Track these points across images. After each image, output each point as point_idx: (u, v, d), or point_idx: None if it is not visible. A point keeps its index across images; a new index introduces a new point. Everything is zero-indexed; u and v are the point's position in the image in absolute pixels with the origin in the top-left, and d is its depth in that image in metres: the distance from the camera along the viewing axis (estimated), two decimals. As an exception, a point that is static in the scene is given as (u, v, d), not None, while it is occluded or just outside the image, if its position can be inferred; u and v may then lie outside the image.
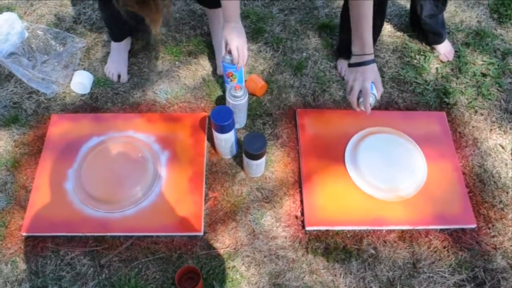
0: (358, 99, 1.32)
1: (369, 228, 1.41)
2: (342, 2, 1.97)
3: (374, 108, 1.65)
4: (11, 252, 1.37)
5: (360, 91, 1.30)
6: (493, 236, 1.42)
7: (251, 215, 1.44)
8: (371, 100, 1.31)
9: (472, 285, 1.34)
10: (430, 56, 1.82)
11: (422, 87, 1.74)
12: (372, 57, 1.28)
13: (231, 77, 1.55)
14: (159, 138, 1.57)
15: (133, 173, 1.47)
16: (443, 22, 1.79)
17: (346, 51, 1.71)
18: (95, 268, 1.34)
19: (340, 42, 1.77)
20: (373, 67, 1.28)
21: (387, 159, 1.51)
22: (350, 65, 1.31)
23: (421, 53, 1.83)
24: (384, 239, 1.40)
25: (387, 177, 1.47)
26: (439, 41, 1.81)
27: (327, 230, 1.41)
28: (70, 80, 1.71)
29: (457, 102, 1.70)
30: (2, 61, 1.73)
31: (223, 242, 1.39)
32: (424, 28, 1.81)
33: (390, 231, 1.41)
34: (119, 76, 1.73)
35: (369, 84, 1.28)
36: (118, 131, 1.58)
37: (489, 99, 1.72)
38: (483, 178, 1.53)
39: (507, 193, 1.50)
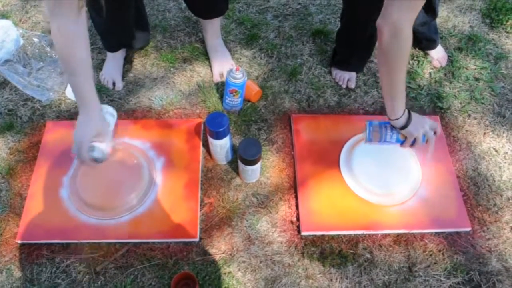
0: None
1: (365, 232, 1.41)
2: (336, 8, 2.01)
3: (368, 113, 1.68)
4: (6, 260, 1.36)
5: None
6: (488, 239, 1.42)
7: (247, 221, 1.44)
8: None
9: (468, 288, 1.34)
10: (424, 61, 1.83)
11: (415, 92, 1.75)
12: (406, 112, 1.26)
13: (234, 93, 1.56)
14: (155, 145, 1.57)
15: (129, 179, 1.47)
16: (435, 28, 1.81)
17: (343, 63, 1.73)
18: (90, 275, 1.34)
19: (337, 54, 1.77)
20: (417, 115, 1.28)
21: (381, 164, 1.52)
22: (401, 128, 1.30)
23: (415, 58, 1.85)
24: (380, 243, 1.40)
25: (382, 181, 1.48)
26: (432, 47, 1.82)
27: (322, 235, 1.41)
28: (66, 87, 1.71)
29: (451, 107, 1.71)
30: (-3, 68, 1.73)
31: (219, 248, 1.39)
32: (416, 35, 1.82)
33: (386, 235, 1.42)
34: (114, 83, 1.73)
35: (428, 126, 1.28)
36: (113, 138, 1.58)
37: (482, 103, 1.73)
38: (477, 181, 1.54)
39: (501, 196, 1.51)
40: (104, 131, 1.22)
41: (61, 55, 1.15)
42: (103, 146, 1.22)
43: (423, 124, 1.28)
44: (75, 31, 1.08)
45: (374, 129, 1.35)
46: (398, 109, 1.24)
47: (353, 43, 1.66)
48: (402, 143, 1.33)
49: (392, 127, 1.32)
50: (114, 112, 1.34)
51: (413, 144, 1.31)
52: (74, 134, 1.20)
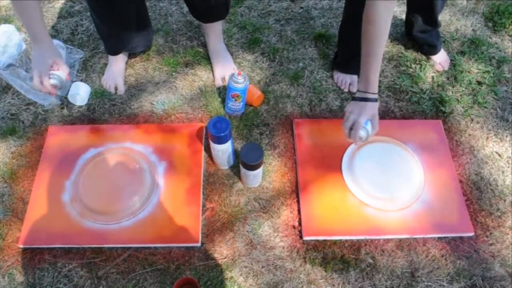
0: (350, 130, 1.33)
1: (367, 237, 1.41)
2: (338, 12, 2.00)
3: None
4: (8, 265, 1.37)
5: (353, 123, 1.31)
6: (491, 244, 1.42)
7: (249, 226, 1.44)
8: (363, 135, 1.32)
9: (471, 293, 1.34)
10: (426, 65, 1.83)
11: (418, 96, 1.75)
12: (375, 96, 1.29)
13: (236, 98, 1.56)
14: (157, 149, 1.57)
15: (131, 184, 1.47)
16: (437, 34, 1.80)
17: (342, 65, 1.73)
18: (92, 280, 1.34)
19: (338, 56, 1.78)
20: (374, 106, 1.30)
21: (384, 168, 1.51)
22: (353, 98, 1.34)
23: (417, 62, 1.85)
24: (382, 248, 1.40)
25: (384, 186, 1.48)
26: (434, 52, 1.82)
27: (324, 240, 1.41)
28: (68, 91, 1.71)
29: (453, 111, 1.71)
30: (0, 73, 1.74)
31: (221, 252, 1.39)
32: (417, 40, 1.83)
33: (388, 240, 1.41)
34: (116, 88, 1.73)
35: (363, 119, 1.29)
36: (116, 142, 1.58)
37: (485, 107, 1.72)
38: (480, 186, 1.53)
39: (504, 200, 1.50)
40: (59, 60, 1.37)
41: None
42: (60, 73, 1.37)
43: (362, 114, 1.28)
44: None
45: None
46: (373, 86, 1.29)
47: (353, 41, 1.66)
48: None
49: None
50: (62, 44, 1.63)
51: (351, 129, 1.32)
52: (32, 66, 1.35)
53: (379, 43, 1.23)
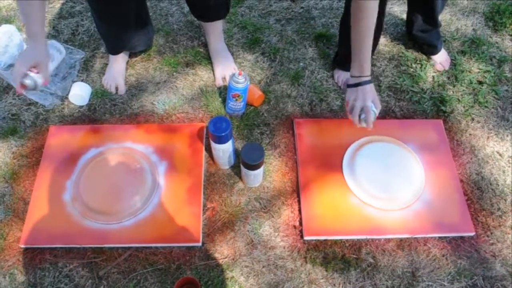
0: (359, 116, 1.39)
1: (368, 237, 1.41)
2: (338, 12, 2.00)
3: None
4: (9, 264, 1.37)
5: (362, 109, 1.36)
6: (492, 244, 1.42)
7: (250, 225, 1.44)
8: (372, 117, 1.37)
9: (472, 293, 1.34)
10: (427, 65, 1.83)
11: (418, 95, 1.75)
12: (369, 78, 1.34)
13: (236, 98, 1.56)
14: (157, 149, 1.57)
15: (131, 184, 1.47)
16: (438, 34, 1.80)
17: (343, 64, 1.73)
18: (93, 280, 1.34)
19: (337, 55, 1.78)
20: (372, 87, 1.35)
21: (384, 168, 1.51)
22: (349, 86, 1.37)
23: (418, 61, 1.85)
24: (383, 248, 1.40)
25: (385, 185, 1.48)
26: (434, 52, 1.82)
27: (325, 240, 1.41)
28: (69, 91, 1.71)
29: (454, 110, 1.71)
30: (0, 73, 1.74)
31: (222, 252, 1.39)
32: (417, 40, 1.83)
33: (389, 240, 1.41)
34: (116, 88, 1.74)
35: (369, 102, 1.35)
36: (116, 142, 1.59)
37: (485, 106, 1.72)
38: (481, 185, 1.53)
39: (505, 200, 1.50)
40: (43, 63, 1.32)
41: None
42: (37, 77, 1.32)
43: (367, 98, 1.33)
44: None
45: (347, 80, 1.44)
46: (368, 68, 1.32)
47: None
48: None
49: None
50: (62, 49, 1.57)
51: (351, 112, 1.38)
52: (16, 60, 1.32)
53: (370, 29, 1.26)
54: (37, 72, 1.32)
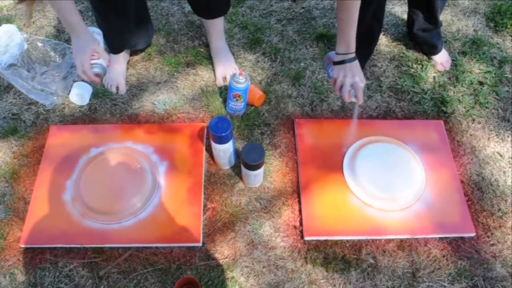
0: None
1: (368, 237, 1.41)
2: (339, 12, 2.00)
3: (372, 117, 1.67)
4: (10, 264, 1.37)
5: (351, 85, 1.38)
6: (492, 245, 1.42)
7: (250, 225, 1.44)
8: (361, 92, 1.40)
9: (472, 294, 1.34)
10: (427, 65, 1.83)
11: (419, 96, 1.75)
12: (354, 54, 1.36)
13: (237, 98, 1.56)
14: (158, 149, 1.57)
15: (132, 184, 1.47)
16: (438, 34, 1.80)
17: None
18: (93, 279, 1.34)
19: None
20: (357, 63, 1.38)
21: (385, 168, 1.51)
22: (335, 63, 1.39)
23: (418, 62, 1.84)
24: (383, 248, 1.40)
25: (385, 186, 1.47)
26: (434, 52, 1.82)
27: (326, 240, 1.41)
28: (69, 91, 1.71)
29: (455, 111, 1.71)
30: (1, 72, 1.74)
31: (222, 252, 1.39)
32: (417, 40, 1.83)
33: (389, 240, 1.41)
34: (117, 88, 1.74)
35: (358, 78, 1.36)
36: (117, 142, 1.59)
37: (486, 107, 1.72)
38: (481, 186, 1.53)
39: (506, 201, 1.50)
40: (98, 48, 1.37)
41: None
42: (101, 61, 1.38)
43: (355, 74, 1.35)
44: None
45: (328, 57, 1.47)
46: (353, 45, 1.34)
47: None
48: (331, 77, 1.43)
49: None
50: (99, 30, 1.61)
51: (341, 90, 1.39)
52: (74, 57, 1.35)
53: (356, 6, 1.28)
54: (98, 58, 1.37)
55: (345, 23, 1.31)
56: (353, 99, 1.39)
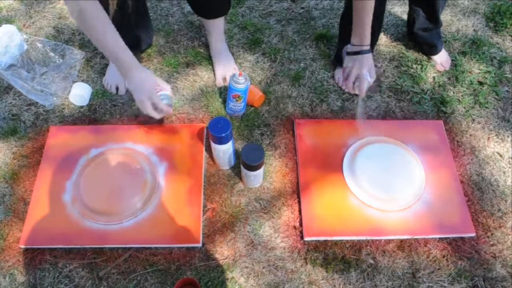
0: (353, 83, 1.44)
1: (368, 238, 1.41)
2: (339, 12, 2.00)
3: (371, 118, 1.67)
4: (9, 265, 1.37)
5: (357, 76, 1.40)
6: (493, 245, 1.42)
7: (250, 226, 1.44)
8: (366, 85, 1.42)
9: (472, 294, 1.34)
10: (427, 65, 1.83)
11: (419, 96, 1.75)
12: (368, 47, 1.37)
13: (237, 98, 1.56)
14: (157, 150, 1.57)
15: (132, 184, 1.47)
16: (438, 34, 1.80)
17: (342, 60, 1.72)
18: (93, 280, 1.34)
19: (339, 50, 1.78)
20: (369, 57, 1.39)
21: (385, 169, 1.51)
22: (348, 53, 1.40)
23: (418, 62, 1.84)
24: (383, 248, 1.40)
25: (385, 186, 1.47)
26: (434, 52, 1.82)
27: (325, 240, 1.41)
28: (69, 92, 1.71)
29: (455, 111, 1.71)
30: (1, 73, 1.74)
31: (222, 253, 1.39)
32: (417, 39, 1.82)
33: (389, 241, 1.41)
34: (117, 88, 1.74)
35: (365, 70, 1.38)
36: (116, 143, 1.59)
37: (486, 107, 1.72)
38: (481, 186, 1.53)
39: (506, 201, 1.50)
40: (158, 80, 1.35)
41: (87, 32, 1.26)
42: (165, 92, 1.36)
43: (363, 67, 1.38)
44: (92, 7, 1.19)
45: (346, 49, 1.48)
46: (368, 37, 1.37)
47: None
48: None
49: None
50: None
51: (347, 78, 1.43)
52: (137, 96, 1.30)
53: (370, 3, 1.30)
54: (161, 90, 1.35)
55: (360, 15, 1.33)
56: (356, 92, 1.39)
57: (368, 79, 1.40)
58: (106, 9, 1.49)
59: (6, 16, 2.01)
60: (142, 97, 1.29)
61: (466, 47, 1.90)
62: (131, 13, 1.57)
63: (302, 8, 2.04)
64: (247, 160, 1.36)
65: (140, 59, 1.84)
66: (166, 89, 1.39)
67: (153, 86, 1.30)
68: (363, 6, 1.30)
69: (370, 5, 1.31)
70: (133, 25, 1.62)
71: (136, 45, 1.74)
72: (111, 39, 1.25)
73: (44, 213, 1.43)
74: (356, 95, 1.68)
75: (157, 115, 1.34)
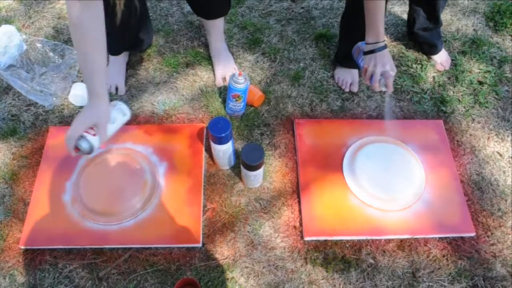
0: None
1: (368, 237, 1.41)
2: (339, 12, 2.00)
3: (371, 117, 1.67)
4: (9, 266, 1.37)
5: (382, 74, 1.38)
6: (492, 244, 1.41)
7: (250, 226, 1.44)
8: (392, 80, 1.40)
9: (472, 294, 1.34)
10: (427, 65, 1.83)
11: (419, 96, 1.74)
12: (384, 43, 1.36)
13: (236, 98, 1.56)
14: (157, 150, 1.57)
15: (131, 185, 1.47)
16: (438, 34, 1.80)
17: (345, 59, 1.73)
18: (93, 281, 1.34)
19: (339, 49, 1.78)
20: (387, 52, 1.38)
21: (385, 168, 1.51)
22: (365, 53, 1.39)
23: (418, 62, 1.84)
24: (383, 248, 1.40)
25: (385, 186, 1.47)
26: (434, 52, 1.82)
27: (325, 240, 1.41)
28: (69, 92, 1.71)
29: (454, 111, 1.71)
30: (0, 73, 1.73)
31: (222, 253, 1.39)
32: (417, 39, 1.82)
33: (389, 240, 1.41)
34: (116, 88, 1.74)
35: (388, 66, 1.36)
36: (116, 143, 1.58)
37: (486, 107, 1.72)
38: (481, 186, 1.53)
39: (506, 200, 1.50)
40: (103, 124, 1.16)
41: (75, 37, 1.16)
42: (93, 139, 1.14)
43: (386, 63, 1.36)
44: (88, 17, 1.11)
45: (357, 48, 1.47)
46: (382, 33, 1.35)
47: (354, 33, 1.65)
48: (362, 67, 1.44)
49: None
50: (127, 112, 1.28)
51: (371, 79, 1.40)
52: (75, 119, 1.15)
53: None
54: (94, 134, 1.14)
55: (372, 12, 1.32)
56: (383, 88, 1.39)
57: (393, 74, 1.40)
58: (113, 8, 1.50)
59: (5, 16, 2.01)
60: (73, 123, 1.14)
61: (466, 47, 1.90)
62: (133, 14, 1.57)
63: (302, 7, 2.04)
64: (247, 160, 1.36)
65: (140, 59, 1.84)
66: (95, 136, 1.15)
67: (86, 124, 1.13)
68: (375, 5, 1.31)
69: (381, 3, 1.31)
70: (134, 26, 1.62)
71: (136, 45, 1.74)
72: (90, 62, 1.16)
73: (44, 214, 1.43)
74: (354, 94, 1.69)
75: (68, 148, 1.15)
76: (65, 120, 1.67)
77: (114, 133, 1.23)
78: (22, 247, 1.38)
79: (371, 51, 1.36)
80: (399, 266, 1.37)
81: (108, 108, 1.19)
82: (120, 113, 1.27)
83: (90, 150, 1.15)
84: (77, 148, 1.14)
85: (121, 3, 1.43)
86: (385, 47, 1.36)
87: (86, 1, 1.09)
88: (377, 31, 1.34)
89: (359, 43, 1.46)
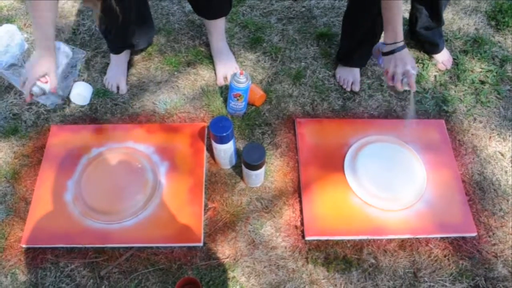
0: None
1: (369, 237, 1.41)
2: (340, 11, 2.00)
3: (373, 117, 1.67)
4: (11, 264, 1.37)
5: (403, 73, 1.38)
6: (494, 244, 1.41)
7: (251, 225, 1.44)
8: (414, 79, 1.40)
9: (473, 294, 1.34)
10: (429, 64, 1.82)
11: (420, 95, 1.74)
12: (403, 42, 1.36)
13: (238, 97, 1.56)
14: (159, 149, 1.57)
15: (133, 184, 1.47)
16: (440, 33, 1.80)
17: (346, 57, 1.73)
18: (94, 279, 1.34)
19: (341, 48, 1.78)
20: (407, 51, 1.38)
21: (386, 168, 1.51)
22: (384, 54, 1.39)
23: (420, 61, 1.84)
24: (384, 248, 1.40)
25: (387, 185, 1.47)
26: (436, 51, 1.82)
27: (327, 240, 1.41)
28: (70, 91, 1.71)
29: (456, 110, 1.70)
30: (2, 72, 1.73)
31: (223, 252, 1.39)
32: (419, 38, 1.82)
33: (390, 240, 1.41)
34: (118, 87, 1.74)
35: (409, 66, 1.36)
36: (118, 142, 1.58)
37: (487, 106, 1.72)
38: (483, 186, 1.53)
39: (507, 200, 1.50)
40: (51, 73, 1.35)
41: None
42: (44, 85, 1.36)
43: (406, 63, 1.35)
44: None
45: (377, 48, 1.47)
46: (401, 34, 1.36)
47: (355, 32, 1.65)
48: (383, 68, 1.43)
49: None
50: (69, 51, 1.51)
51: (393, 79, 1.39)
52: (26, 69, 1.36)
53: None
54: (46, 82, 1.36)
55: (390, 12, 1.33)
56: (406, 88, 1.39)
57: (413, 72, 1.39)
58: (114, 10, 1.50)
59: (6, 15, 2.01)
60: (27, 72, 1.34)
61: (468, 46, 1.89)
62: (133, 12, 1.57)
63: (303, 6, 2.04)
64: (248, 160, 1.36)
65: (141, 58, 1.84)
66: (50, 83, 1.37)
67: (39, 73, 1.33)
68: (392, 5, 1.31)
69: (399, 3, 1.31)
70: (135, 24, 1.62)
71: (137, 44, 1.74)
72: (42, 7, 1.26)
73: (46, 213, 1.43)
74: (355, 93, 1.69)
75: (25, 94, 1.37)
76: (67, 119, 1.67)
77: (60, 75, 1.45)
78: (24, 245, 1.38)
79: (391, 52, 1.36)
80: (401, 266, 1.37)
81: (54, 58, 1.36)
82: (63, 55, 1.52)
83: (43, 93, 1.38)
84: (31, 94, 1.36)
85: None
86: (404, 46, 1.36)
87: None
88: (395, 31, 1.34)
89: (379, 43, 1.46)
